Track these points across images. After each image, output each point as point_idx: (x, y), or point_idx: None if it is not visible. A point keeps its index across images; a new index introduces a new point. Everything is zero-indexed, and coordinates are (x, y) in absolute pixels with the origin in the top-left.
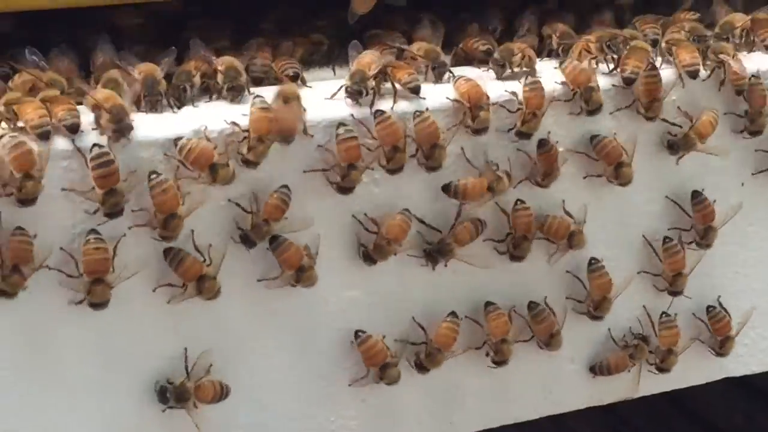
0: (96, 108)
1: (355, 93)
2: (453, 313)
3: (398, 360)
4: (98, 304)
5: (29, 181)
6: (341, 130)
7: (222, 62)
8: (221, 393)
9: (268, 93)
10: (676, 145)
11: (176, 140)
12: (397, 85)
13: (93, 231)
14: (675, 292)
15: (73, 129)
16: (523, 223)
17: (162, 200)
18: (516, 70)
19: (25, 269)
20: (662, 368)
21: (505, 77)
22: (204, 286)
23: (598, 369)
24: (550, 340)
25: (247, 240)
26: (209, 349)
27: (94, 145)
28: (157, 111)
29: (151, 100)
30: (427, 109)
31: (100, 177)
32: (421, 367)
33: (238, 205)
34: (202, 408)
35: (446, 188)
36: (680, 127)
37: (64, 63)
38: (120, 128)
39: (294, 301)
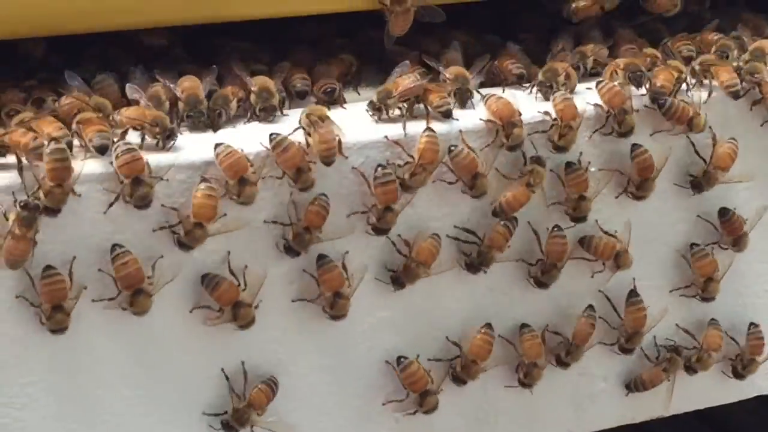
0: (138, 126)
1: (376, 109)
2: (488, 325)
3: (438, 388)
4: (141, 313)
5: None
6: (380, 173)
7: (255, 83)
8: (273, 389)
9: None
10: (699, 184)
11: (216, 145)
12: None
13: (116, 245)
14: (707, 299)
15: (102, 150)
16: (557, 251)
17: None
18: (561, 89)
19: (65, 305)
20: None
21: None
22: (239, 312)
23: (633, 386)
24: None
25: (290, 250)
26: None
27: (119, 143)
28: (198, 129)
29: (193, 118)
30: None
31: (124, 164)
32: (458, 380)
33: (275, 222)
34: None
35: (495, 213)
36: (704, 161)
37: (108, 87)
38: (168, 134)
39: (328, 322)
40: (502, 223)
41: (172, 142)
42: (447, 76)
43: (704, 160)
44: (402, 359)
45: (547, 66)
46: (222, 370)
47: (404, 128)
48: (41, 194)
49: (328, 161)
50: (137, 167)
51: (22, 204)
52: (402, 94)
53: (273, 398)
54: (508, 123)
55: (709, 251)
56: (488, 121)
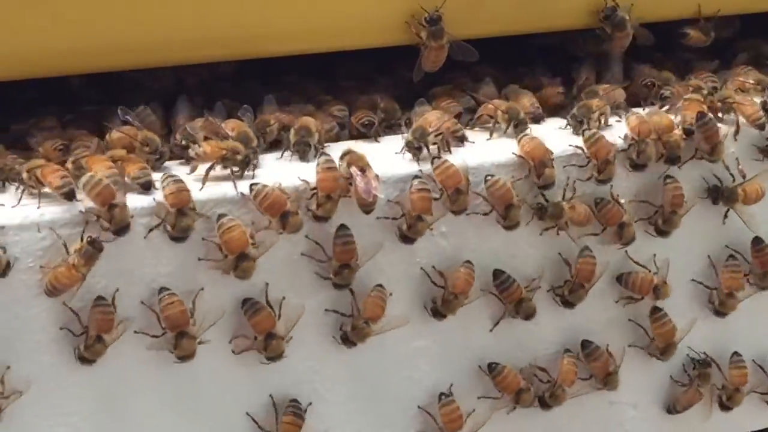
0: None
1: (414, 148)
2: (568, 350)
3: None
4: (185, 357)
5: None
6: (416, 182)
7: (298, 121)
8: (301, 416)
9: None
10: (719, 194)
11: (252, 185)
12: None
13: (164, 288)
14: (720, 312)
15: (146, 186)
16: (587, 271)
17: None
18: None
19: (106, 338)
20: (727, 406)
21: None
22: (271, 343)
23: (672, 408)
24: (606, 379)
25: (337, 285)
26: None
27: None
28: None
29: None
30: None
31: (171, 194)
32: (545, 405)
33: (311, 257)
34: None
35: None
36: (732, 177)
37: (148, 119)
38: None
39: (363, 350)
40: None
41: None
42: (497, 107)
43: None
44: (443, 395)
45: (582, 103)
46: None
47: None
48: (168, 225)
49: (368, 210)
50: (184, 198)
51: (90, 240)
52: (438, 129)
53: (303, 425)
54: (540, 163)
55: (741, 269)
56: (520, 157)
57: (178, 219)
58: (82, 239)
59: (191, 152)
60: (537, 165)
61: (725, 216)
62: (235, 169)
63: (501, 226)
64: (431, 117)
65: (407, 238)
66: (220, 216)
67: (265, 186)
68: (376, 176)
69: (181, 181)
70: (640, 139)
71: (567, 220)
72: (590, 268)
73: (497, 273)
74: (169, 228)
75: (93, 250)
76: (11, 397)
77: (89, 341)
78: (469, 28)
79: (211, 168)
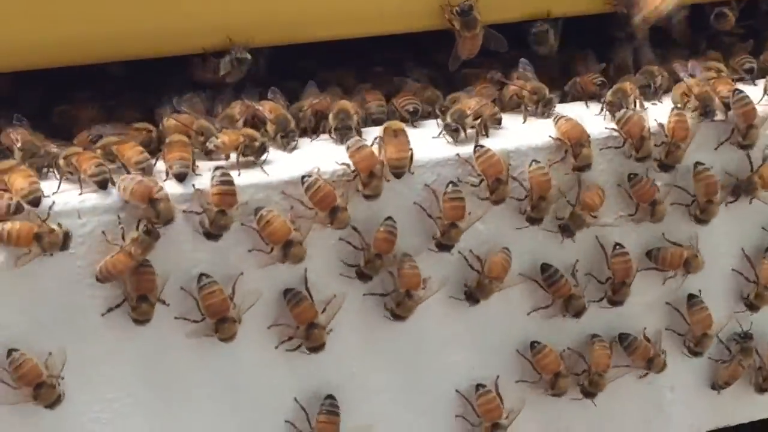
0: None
1: (452, 130)
2: (596, 336)
3: (510, 422)
4: (227, 339)
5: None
6: (449, 189)
7: (336, 105)
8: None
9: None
10: (738, 188)
11: (303, 177)
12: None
13: (203, 275)
14: (753, 306)
15: (181, 178)
16: (622, 269)
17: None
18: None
19: (150, 297)
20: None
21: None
22: (313, 333)
23: (717, 386)
24: (649, 364)
25: (362, 275)
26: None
27: (217, 167)
28: (288, 150)
29: (286, 138)
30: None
31: (219, 194)
32: (588, 393)
33: (349, 243)
34: None
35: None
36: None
37: (196, 106)
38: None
39: (400, 337)
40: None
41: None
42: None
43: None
44: (480, 386)
45: (616, 86)
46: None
47: (476, 143)
48: (206, 220)
49: (398, 173)
50: (230, 201)
51: (146, 229)
52: (476, 112)
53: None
54: (577, 144)
55: None
56: (557, 139)
57: (218, 217)
58: (137, 227)
59: (209, 145)
60: (574, 145)
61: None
62: (252, 156)
63: (525, 214)
64: (470, 101)
65: (443, 246)
66: (258, 209)
67: (317, 179)
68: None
69: (231, 182)
70: (575, 143)
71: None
72: (626, 266)
73: (545, 267)
74: (207, 224)
75: (149, 239)
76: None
77: (132, 302)
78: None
79: (239, 155)
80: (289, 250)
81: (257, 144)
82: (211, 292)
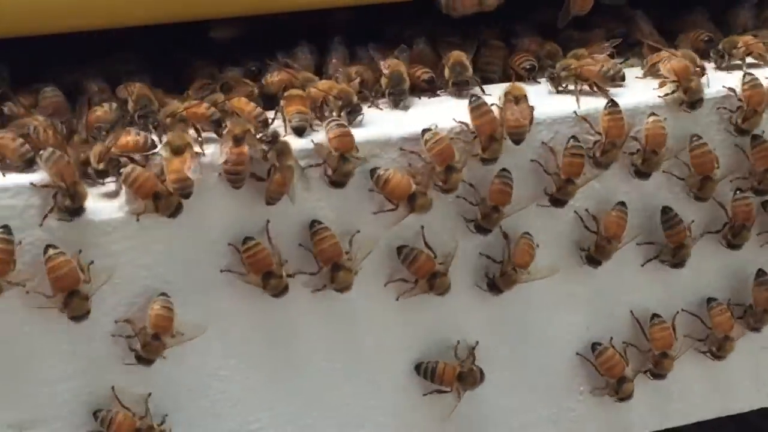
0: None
1: (552, 79)
2: (713, 299)
3: (636, 374)
4: (343, 289)
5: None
6: (571, 143)
7: (449, 57)
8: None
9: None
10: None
11: (372, 170)
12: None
13: (315, 221)
14: None
15: (299, 131)
16: (744, 212)
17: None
18: (738, 62)
19: (275, 270)
20: None
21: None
22: (435, 282)
23: None
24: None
25: (480, 229)
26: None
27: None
28: (399, 107)
29: (395, 96)
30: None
31: (336, 137)
32: (717, 357)
33: (465, 199)
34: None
35: None
36: None
37: (304, 61)
38: (351, 110)
39: (516, 298)
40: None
41: (357, 117)
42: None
43: None
44: (597, 345)
45: (728, 37)
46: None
47: (577, 103)
48: (328, 169)
49: (517, 139)
50: (348, 143)
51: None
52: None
53: None
54: (685, 79)
55: None
56: (664, 79)
57: (340, 163)
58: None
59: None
60: (682, 80)
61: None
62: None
63: (636, 170)
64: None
65: (557, 201)
66: (373, 171)
67: (437, 133)
68: (532, 108)
69: (345, 125)
70: (682, 77)
71: None
72: (747, 208)
73: (666, 209)
74: (330, 172)
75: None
76: (177, 338)
77: (258, 283)
78: None
79: (340, 110)
80: (414, 202)
81: (341, 103)
82: (323, 237)
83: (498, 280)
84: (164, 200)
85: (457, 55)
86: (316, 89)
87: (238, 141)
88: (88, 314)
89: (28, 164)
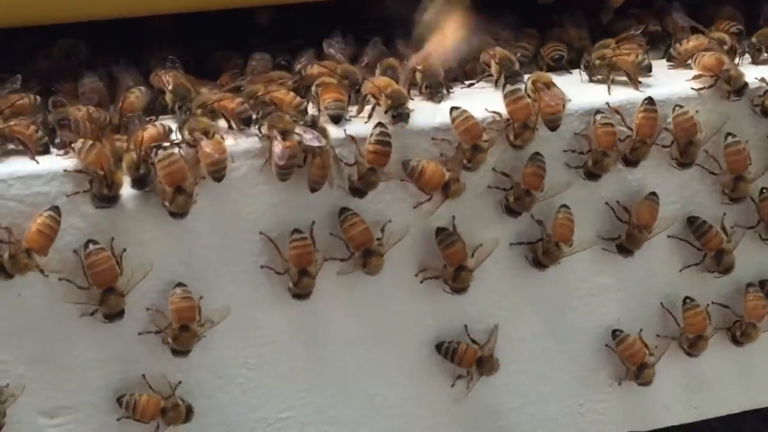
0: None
1: (586, 67)
2: (751, 284)
3: (657, 360)
4: (373, 272)
5: None
6: (599, 117)
7: (496, 53)
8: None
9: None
10: None
11: (404, 162)
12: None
13: (344, 209)
14: None
15: (336, 119)
16: None
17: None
18: None
19: (311, 270)
20: None
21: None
22: (460, 275)
23: None
24: None
25: (511, 211)
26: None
27: (378, 124)
28: (435, 101)
29: (432, 89)
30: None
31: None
32: (738, 342)
33: (498, 188)
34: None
35: None
36: None
37: (342, 52)
38: (399, 113)
39: (546, 287)
40: None
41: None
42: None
43: None
44: (617, 332)
45: (761, 30)
46: None
47: (609, 92)
48: (356, 174)
49: (552, 126)
50: (383, 162)
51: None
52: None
53: None
54: (723, 71)
55: None
56: (699, 76)
57: (368, 174)
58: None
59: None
60: (720, 73)
61: None
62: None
63: (675, 163)
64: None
65: (593, 175)
66: (405, 163)
67: (465, 111)
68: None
69: (389, 143)
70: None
71: None
72: None
73: (692, 219)
74: (356, 177)
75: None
76: (206, 325)
77: (294, 277)
78: None
79: (388, 109)
80: (448, 189)
81: (390, 102)
82: (353, 223)
83: (541, 257)
84: (182, 197)
85: (503, 52)
86: (372, 84)
87: (286, 135)
88: (122, 314)
89: (45, 150)
